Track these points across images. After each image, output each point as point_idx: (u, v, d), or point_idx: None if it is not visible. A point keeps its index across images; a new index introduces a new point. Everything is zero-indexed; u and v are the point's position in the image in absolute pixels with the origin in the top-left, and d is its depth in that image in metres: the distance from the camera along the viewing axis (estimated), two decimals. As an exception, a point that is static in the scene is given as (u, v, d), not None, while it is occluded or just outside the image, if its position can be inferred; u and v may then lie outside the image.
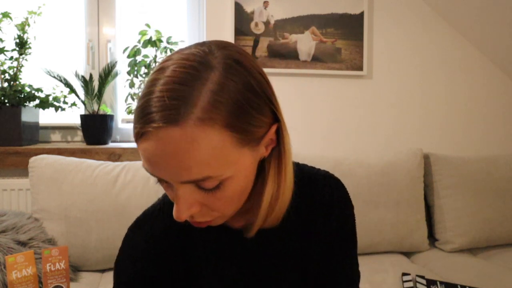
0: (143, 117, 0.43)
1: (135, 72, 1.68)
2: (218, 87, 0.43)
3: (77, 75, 1.64)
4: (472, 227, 1.58)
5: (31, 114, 1.60)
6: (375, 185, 1.54)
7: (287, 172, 0.54)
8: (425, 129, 1.92)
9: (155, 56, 1.68)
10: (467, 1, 1.73)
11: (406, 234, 1.55)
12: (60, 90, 1.67)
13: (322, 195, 0.63)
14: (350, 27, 1.78)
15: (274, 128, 0.50)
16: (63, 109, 1.65)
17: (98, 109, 1.66)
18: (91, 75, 1.68)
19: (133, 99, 1.70)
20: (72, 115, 1.72)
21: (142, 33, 1.67)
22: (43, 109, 1.62)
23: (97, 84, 1.65)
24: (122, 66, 1.74)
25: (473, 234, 1.58)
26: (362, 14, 1.78)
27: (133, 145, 1.67)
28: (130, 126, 1.83)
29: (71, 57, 1.77)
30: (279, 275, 0.62)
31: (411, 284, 1.26)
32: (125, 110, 1.72)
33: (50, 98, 1.63)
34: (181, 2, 1.84)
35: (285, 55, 1.74)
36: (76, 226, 1.30)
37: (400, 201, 1.55)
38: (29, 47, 1.54)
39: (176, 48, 1.71)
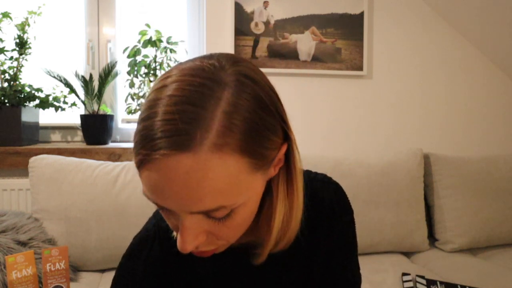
0: (148, 142, 0.38)
1: (135, 72, 1.68)
2: (233, 108, 0.39)
3: (77, 75, 1.64)
4: (472, 227, 1.58)
5: (31, 114, 1.60)
6: (375, 185, 1.54)
7: (298, 192, 0.50)
8: (425, 129, 1.92)
9: (155, 56, 1.68)
10: (467, 1, 1.73)
11: (406, 234, 1.55)
12: (60, 90, 1.67)
13: (322, 206, 0.60)
14: (350, 27, 1.78)
15: (284, 148, 0.47)
16: (63, 109, 1.65)
17: (98, 109, 1.66)
18: (91, 75, 1.68)
19: (133, 99, 1.70)
20: (72, 115, 1.72)
21: (142, 33, 1.67)
22: (43, 109, 1.62)
23: (97, 84, 1.65)
24: (122, 66, 1.74)
25: (473, 234, 1.58)
26: (362, 14, 1.78)
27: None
28: (130, 126, 1.83)
29: (71, 57, 1.77)
30: None
31: (411, 284, 1.26)
32: (125, 110, 1.72)
33: (50, 98, 1.63)
34: (181, 2, 1.84)
35: (285, 55, 1.74)
36: (76, 226, 1.30)
37: (400, 201, 1.55)
38: (29, 47, 1.54)
39: (176, 48, 1.71)
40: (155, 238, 0.58)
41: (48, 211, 1.31)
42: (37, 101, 1.60)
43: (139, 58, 1.68)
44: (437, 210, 1.64)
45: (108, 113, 1.69)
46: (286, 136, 0.47)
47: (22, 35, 1.53)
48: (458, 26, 1.89)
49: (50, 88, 1.66)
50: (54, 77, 1.59)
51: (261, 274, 0.58)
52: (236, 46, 1.69)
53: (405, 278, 1.30)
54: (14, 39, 1.52)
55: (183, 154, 0.37)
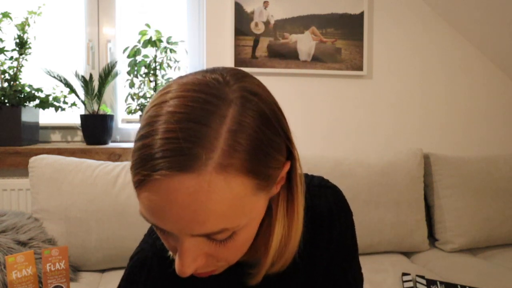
0: (148, 162, 0.36)
1: (135, 72, 1.68)
2: (238, 126, 0.37)
3: (77, 75, 1.64)
4: (472, 227, 1.58)
5: (31, 114, 1.60)
6: (375, 185, 1.54)
7: (298, 213, 0.48)
8: (425, 129, 1.92)
9: (155, 56, 1.68)
10: (467, 1, 1.73)
11: (406, 234, 1.55)
12: (60, 90, 1.67)
13: (320, 213, 0.58)
14: (350, 27, 1.78)
15: (287, 166, 0.45)
16: (63, 109, 1.65)
17: (98, 109, 1.66)
18: (91, 75, 1.68)
19: (133, 99, 1.70)
20: (72, 115, 1.72)
21: (142, 33, 1.67)
22: (43, 109, 1.62)
23: (97, 84, 1.65)
24: (122, 66, 1.74)
25: (473, 234, 1.58)
26: (362, 14, 1.78)
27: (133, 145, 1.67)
28: (130, 126, 1.83)
29: (71, 57, 1.77)
30: None
31: (411, 284, 1.26)
32: (125, 110, 1.72)
33: (50, 98, 1.63)
34: (181, 2, 1.84)
35: (285, 55, 1.74)
36: (76, 226, 1.30)
37: (400, 201, 1.55)
38: (29, 47, 1.54)
39: (176, 48, 1.71)
40: (153, 259, 0.56)
41: (48, 211, 1.31)
42: (37, 101, 1.60)
43: (139, 58, 1.68)
44: (437, 210, 1.64)
45: (108, 113, 1.69)
46: (289, 154, 0.45)
47: (22, 35, 1.53)
48: (458, 26, 1.89)
49: (50, 88, 1.66)
50: (54, 77, 1.59)
51: (265, 283, 0.56)
52: (236, 46, 1.69)
53: (405, 278, 1.30)
54: (14, 39, 1.52)
55: (186, 175, 0.35)
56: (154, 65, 1.68)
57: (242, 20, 1.70)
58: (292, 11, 1.74)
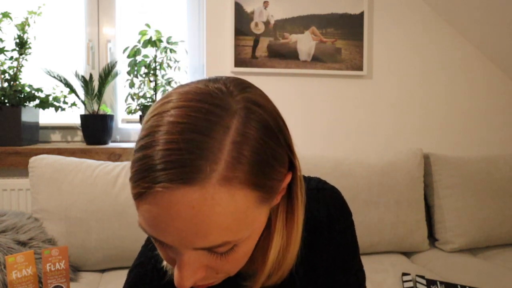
0: (149, 173, 0.35)
1: (135, 72, 1.68)
2: (242, 138, 0.36)
3: (77, 75, 1.64)
4: (472, 227, 1.58)
5: (31, 114, 1.60)
6: (375, 185, 1.54)
7: (298, 224, 0.47)
8: (425, 129, 1.92)
9: (155, 56, 1.68)
10: (467, 1, 1.73)
11: (406, 234, 1.55)
12: (60, 90, 1.67)
13: (319, 217, 0.57)
14: (350, 27, 1.78)
15: (288, 178, 0.44)
16: (63, 109, 1.65)
17: (98, 109, 1.66)
18: (91, 75, 1.68)
19: (133, 99, 1.70)
20: (72, 115, 1.72)
21: (142, 33, 1.67)
22: (43, 109, 1.62)
23: (97, 84, 1.65)
24: (122, 66, 1.74)
25: (473, 234, 1.58)
26: (362, 14, 1.78)
27: (133, 145, 1.67)
28: (130, 126, 1.83)
29: (71, 57, 1.77)
30: None
31: (411, 284, 1.26)
32: (125, 110, 1.72)
33: (50, 98, 1.63)
34: (181, 2, 1.84)
35: (285, 55, 1.74)
36: (76, 226, 1.30)
37: (400, 201, 1.55)
38: (29, 47, 1.54)
39: (176, 48, 1.71)
40: (153, 274, 0.54)
41: (48, 211, 1.31)
42: (37, 101, 1.60)
43: (139, 58, 1.67)
44: (437, 210, 1.64)
45: (108, 113, 1.69)
46: (291, 164, 0.45)
47: (22, 35, 1.53)
48: (458, 26, 1.89)
49: (50, 88, 1.66)
50: (54, 77, 1.59)
51: None
52: (236, 46, 1.69)
53: (405, 278, 1.30)
54: (14, 39, 1.52)
55: (189, 187, 0.34)
56: (154, 65, 1.68)
57: (242, 20, 1.70)
58: (292, 11, 1.74)
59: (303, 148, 1.76)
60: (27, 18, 1.54)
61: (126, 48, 1.68)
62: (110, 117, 1.68)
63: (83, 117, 1.64)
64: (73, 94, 1.64)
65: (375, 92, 1.87)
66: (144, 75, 1.69)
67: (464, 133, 1.95)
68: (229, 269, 0.43)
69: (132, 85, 1.69)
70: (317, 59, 1.77)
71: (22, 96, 1.55)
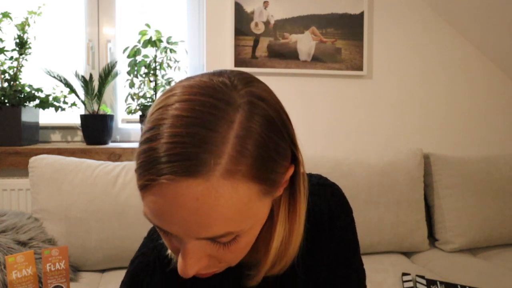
0: (154, 166, 0.36)
1: (135, 72, 1.68)
2: (245, 132, 0.37)
3: (77, 75, 1.64)
4: (472, 227, 1.58)
5: (31, 114, 1.60)
6: (375, 185, 1.54)
7: (300, 216, 0.48)
8: (425, 129, 1.92)
9: (155, 56, 1.68)
10: (467, 1, 1.73)
11: (406, 234, 1.55)
12: (60, 90, 1.67)
13: (320, 213, 0.58)
14: (350, 27, 1.78)
15: (291, 171, 0.45)
16: (63, 109, 1.65)
17: (98, 109, 1.66)
18: (91, 75, 1.68)
19: (133, 99, 1.70)
20: (72, 115, 1.72)
21: (142, 33, 1.67)
22: (43, 109, 1.62)
23: (97, 84, 1.65)
24: (122, 66, 1.74)
25: (473, 234, 1.58)
26: (362, 14, 1.78)
27: (133, 145, 1.67)
28: (130, 126, 1.83)
29: (71, 57, 1.77)
30: None
31: (411, 284, 1.26)
32: (125, 110, 1.72)
33: (50, 98, 1.63)
34: (181, 2, 1.84)
35: (285, 55, 1.74)
36: (76, 226, 1.30)
37: (400, 201, 1.55)
38: (29, 47, 1.54)
39: (176, 48, 1.71)
40: (155, 263, 0.55)
41: (48, 211, 1.31)
42: (37, 101, 1.60)
43: (139, 58, 1.67)
44: (437, 210, 1.64)
45: (108, 113, 1.69)
46: (294, 158, 0.46)
47: (22, 35, 1.53)
48: (458, 26, 1.89)
49: (50, 88, 1.66)
50: (54, 77, 1.59)
51: (266, 284, 0.56)
52: (236, 46, 1.69)
53: (405, 278, 1.30)
54: (14, 39, 1.52)
55: (193, 180, 0.35)
56: (154, 65, 1.68)
57: (242, 20, 1.70)
58: (292, 11, 1.74)
59: (303, 148, 1.75)
60: (27, 18, 1.54)
61: (126, 48, 1.68)
62: (110, 117, 1.68)
63: (83, 117, 1.64)
64: (73, 94, 1.64)
65: (375, 92, 1.87)
66: (144, 75, 1.69)
67: (464, 133, 1.95)
68: (231, 259, 0.44)
69: (132, 85, 1.69)
70: (317, 59, 1.77)
71: (22, 96, 1.55)
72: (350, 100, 1.85)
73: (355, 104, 1.85)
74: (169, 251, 0.53)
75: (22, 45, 1.53)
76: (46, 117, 1.72)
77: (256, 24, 1.71)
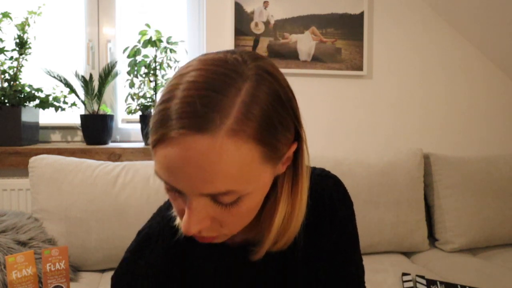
0: (167, 122, 0.39)
1: (135, 72, 1.68)
2: (251, 99, 0.41)
3: (77, 75, 1.64)
4: (472, 227, 1.58)
5: (31, 114, 1.60)
6: (375, 185, 1.54)
7: (302, 193, 0.51)
8: (425, 129, 1.92)
9: (155, 56, 1.68)
10: (467, 1, 1.73)
11: (406, 234, 1.55)
12: (60, 90, 1.67)
13: (322, 201, 0.60)
14: (350, 27, 1.78)
15: (294, 147, 0.48)
16: (63, 109, 1.65)
17: (98, 109, 1.66)
18: (91, 75, 1.68)
19: (133, 99, 1.70)
20: (72, 115, 1.72)
21: (142, 33, 1.67)
22: (43, 109, 1.62)
23: (97, 84, 1.65)
24: (122, 66, 1.74)
25: (473, 234, 1.58)
26: (362, 14, 1.78)
27: (133, 145, 1.67)
28: (130, 126, 1.83)
29: (71, 57, 1.77)
30: None
31: (411, 284, 1.26)
32: (125, 110, 1.72)
33: (50, 98, 1.63)
34: (181, 2, 1.84)
35: (285, 55, 1.74)
36: (76, 226, 1.30)
37: (400, 201, 1.55)
38: (29, 47, 1.54)
39: (176, 48, 1.71)
40: (159, 236, 0.58)
41: (48, 211, 1.31)
42: (37, 101, 1.60)
43: (139, 58, 1.67)
44: (437, 210, 1.64)
45: (108, 113, 1.69)
46: (298, 136, 0.49)
47: (22, 35, 1.53)
48: (458, 26, 1.89)
49: (50, 88, 1.66)
50: (54, 77, 1.59)
51: (261, 273, 0.59)
52: (236, 46, 1.69)
53: (405, 278, 1.30)
54: (14, 39, 1.52)
55: (201, 135, 0.38)
56: (154, 65, 1.68)
57: (242, 20, 1.70)
58: (292, 11, 1.74)
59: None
60: (27, 18, 1.54)
61: (126, 48, 1.68)
62: (110, 117, 1.68)
63: (83, 117, 1.64)
64: (73, 94, 1.64)
65: (375, 92, 1.87)
66: (144, 75, 1.69)
67: (464, 133, 1.95)
68: (232, 224, 0.46)
69: (132, 85, 1.69)
70: (317, 59, 1.77)
71: (22, 96, 1.55)
72: (350, 100, 1.85)
73: (355, 104, 1.85)
74: (176, 222, 0.56)
75: (22, 45, 1.53)
76: (46, 117, 1.72)
77: (256, 24, 1.71)
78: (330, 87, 1.82)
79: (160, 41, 1.67)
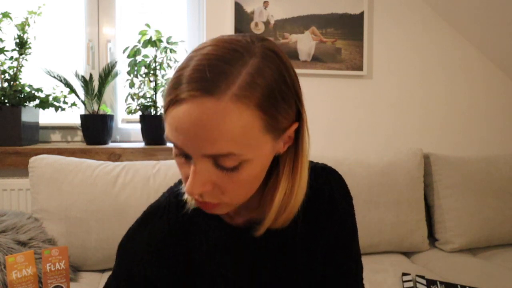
0: (179, 85, 0.44)
1: (135, 72, 1.68)
2: (257, 71, 0.45)
3: (77, 75, 1.64)
4: (472, 227, 1.58)
5: (31, 114, 1.60)
6: (375, 185, 1.54)
7: (302, 172, 0.54)
8: (425, 129, 1.92)
9: (155, 56, 1.68)
10: (467, 1, 1.73)
11: (406, 234, 1.55)
12: (60, 90, 1.67)
13: (322, 192, 0.63)
14: (350, 27, 1.78)
15: (294, 126, 0.51)
16: (63, 109, 1.65)
17: (98, 109, 1.66)
18: (91, 75, 1.68)
19: (133, 99, 1.70)
20: (72, 115, 1.72)
21: (142, 33, 1.67)
22: (43, 109, 1.62)
23: (97, 84, 1.65)
24: (122, 66, 1.74)
25: (473, 234, 1.58)
26: (362, 14, 1.78)
27: (133, 145, 1.67)
28: (130, 126, 1.83)
29: (71, 57, 1.77)
30: (283, 275, 0.62)
31: (411, 284, 1.26)
32: (125, 110, 1.72)
33: (50, 98, 1.63)
34: (181, 2, 1.84)
35: (285, 55, 1.74)
36: (76, 226, 1.30)
37: (400, 201, 1.55)
38: (29, 47, 1.54)
39: (176, 48, 1.71)
40: (165, 209, 0.62)
41: (48, 211, 1.31)
42: (37, 101, 1.60)
43: (139, 58, 1.67)
44: (437, 210, 1.64)
45: (108, 113, 1.69)
46: (299, 116, 0.52)
47: (22, 35, 1.53)
48: (458, 26, 1.89)
49: (50, 88, 1.66)
50: (54, 77, 1.59)
51: (262, 249, 0.61)
52: (236, 46, 1.69)
53: (405, 278, 1.30)
54: (14, 39, 1.52)
55: (207, 98, 0.42)
56: (154, 65, 1.68)
57: (242, 20, 1.70)
58: (292, 11, 1.74)
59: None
60: (27, 18, 1.54)
61: (126, 48, 1.68)
62: (110, 117, 1.68)
63: (83, 117, 1.64)
64: (73, 94, 1.64)
65: (375, 92, 1.87)
66: (144, 75, 1.69)
67: (464, 133, 1.95)
68: (232, 191, 0.49)
69: (132, 85, 1.69)
70: (317, 59, 1.77)
71: (22, 96, 1.55)
72: (350, 100, 1.85)
73: (355, 104, 1.85)
74: (184, 196, 0.60)
75: (22, 45, 1.53)
76: (46, 117, 1.72)
77: (256, 24, 1.71)
78: (330, 87, 1.82)
79: (160, 41, 1.67)
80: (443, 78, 1.92)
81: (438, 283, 1.26)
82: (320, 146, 1.82)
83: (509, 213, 1.62)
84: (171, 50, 1.69)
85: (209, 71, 0.43)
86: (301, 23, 1.75)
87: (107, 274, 1.33)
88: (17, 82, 1.54)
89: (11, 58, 1.54)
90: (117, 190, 1.33)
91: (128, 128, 1.83)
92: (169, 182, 1.31)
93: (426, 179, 1.67)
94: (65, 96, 1.66)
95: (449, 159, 1.68)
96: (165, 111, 0.46)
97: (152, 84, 1.69)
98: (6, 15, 1.51)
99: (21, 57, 1.54)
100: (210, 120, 0.43)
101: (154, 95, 1.69)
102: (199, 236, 0.61)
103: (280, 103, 0.47)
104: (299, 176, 0.54)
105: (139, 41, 1.67)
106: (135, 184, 1.35)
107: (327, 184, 0.63)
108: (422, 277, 1.29)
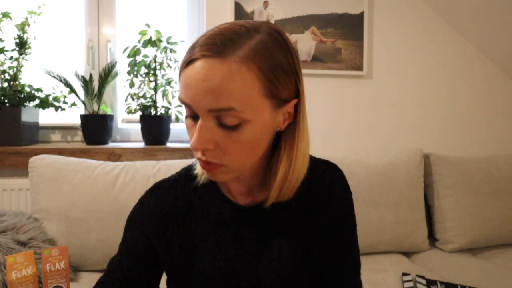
0: (193, 49, 0.51)
1: (135, 72, 1.68)
2: (261, 43, 0.52)
3: (77, 75, 1.64)
4: (472, 227, 1.58)
5: (31, 114, 1.60)
6: (375, 185, 1.54)
7: (300, 146, 0.58)
8: (425, 129, 1.92)
9: (155, 56, 1.68)
10: (467, 1, 1.73)
11: (406, 234, 1.55)
12: (60, 90, 1.67)
13: (323, 178, 0.67)
14: (350, 27, 1.78)
15: (294, 101, 0.57)
16: (63, 109, 1.65)
17: (98, 109, 1.66)
18: (91, 75, 1.68)
19: (133, 99, 1.70)
20: (72, 115, 1.72)
21: (142, 33, 1.67)
22: (43, 109, 1.62)
23: (97, 84, 1.65)
24: (122, 66, 1.74)
25: (473, 234, 1.58)
26: (362, 14, 1.78)
27: (133, 145, 1.67)
28: (130, 126, 1.83)
29: (71, 57, 1.77)
30: (282, 254, 0.63)
31: (411, 284, 1.26)
32: (125, 110, 1.72)
33: (50, 98, 1.63)
34: (181, 2, 1.84)
35: (285, 55, 1.74)
36: (76, 226, 1.30)
37: (400, 201, 1.55)
38: (29, 47, 1.54)
39: (176, 48, 1.71)
40: (173, 182, 0.68)
41: (48, 211, 1.31)
42: (37, 101, 1.60)
43: (139, 58, 1.67)
44: (437, 210, 1.64)
45: (108, 113, 1.69)
46: (298, 93, 0.58)
47: (22, 35, 1.53)
48: (458, 26, 1.89)
49: (50, 88, 1.66)
50: (54, 77, 1.59)
51: (261, 231, 0.64)
52: (236, 46, 1.69)
53: (405, 278, 1.30)
54: (14, 39, 1.52)
55: (215, 58, 0.49)
56: (154, 65, 1.68)
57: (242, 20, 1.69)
58: (292, 11, 1.74)
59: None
60: (27, 18, 1.54)
61: (126, 48, 1.68)
62: (110, 117, 1.68)
63: (83, 117, 1.64)
64: (73, 94, 1.64)
65: (375, 92, 1.87)
66: (144, 75, 1.69)
67: (464, 133, 1.95)
68: (232, 152, 0.53)
69: (132, 85, 1.69)
70: (317, 59, 1.77)
71: (22, 96, 1.55)
72: (350, 100, 1.85)
73: (355, 104, 1.85)
74: (196, 170, 0.65)
75: (22, 45, 1.53)
76: (46, 117, 1.72)
77: (256, 24, 1.71)
78: (330, 87, 1.82)
79: (160, 41, 1.67)
80: (443, 78, 1.92)
81: (438, 283, 1.26)
82: (320, 146, 1.82)
83: (509, 213, 1.62)
84: (171, 50, 1.69)
85: (220, 39, 0.50)
86: (301, 23, 1.75)
87: (107, 274, 1.33)
88: (17, 82, 1.54)
89: (11, 58, 1.54)
90: (117, 190, 1.33)
91: (128, 128, 1.83)
92: (169, 182, 1.31)
93: (426, 179, 1.67)
94: (65, 96, 1.66)
95: (449, 159, 1.68)
96: (180, 73, 0.53)
97: (152, 84, 1.69)
98: (6, 15, 1.51)
99: (21, 57, 1.54)
100: (216, 76, 0.49)
101: (154, 95, 1.69)
102: (202, 209, 0.64)
103: (280, 74, 0.53)
104: (297, 150, 0.58)
105: (139, 41, 1.67)
106: (135, 184, 1.35)
107: (328, 173, 0.67)
108: (422, 277, 1.29)
